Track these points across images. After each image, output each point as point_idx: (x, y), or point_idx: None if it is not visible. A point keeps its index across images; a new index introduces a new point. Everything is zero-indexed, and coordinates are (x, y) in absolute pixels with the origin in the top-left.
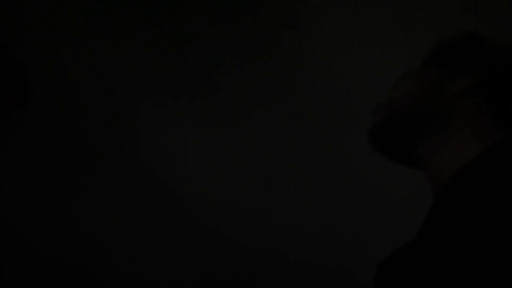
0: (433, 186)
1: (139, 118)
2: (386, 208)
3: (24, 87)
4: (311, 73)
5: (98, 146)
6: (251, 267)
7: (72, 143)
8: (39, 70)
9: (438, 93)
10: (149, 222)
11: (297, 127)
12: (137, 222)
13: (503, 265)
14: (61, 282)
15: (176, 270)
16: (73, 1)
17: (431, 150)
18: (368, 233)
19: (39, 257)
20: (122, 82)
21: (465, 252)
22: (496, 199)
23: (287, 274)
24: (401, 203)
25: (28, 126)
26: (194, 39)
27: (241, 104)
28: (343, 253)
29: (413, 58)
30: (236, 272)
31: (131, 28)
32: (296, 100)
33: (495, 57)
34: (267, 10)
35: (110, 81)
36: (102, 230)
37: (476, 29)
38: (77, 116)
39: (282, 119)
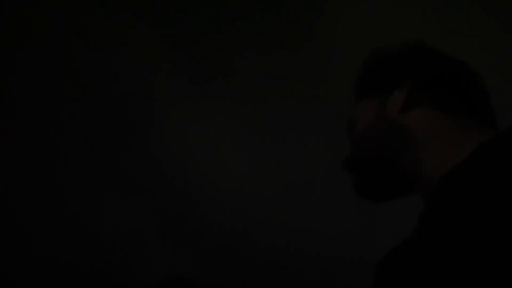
0: (422, 192)
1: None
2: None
3: None
4: (335, 60)
5: (110, 140)
6: (270, 264)
7: (81, 128)
8: (48, 54)
9: (383, 121)
10: (160, 216)
11: (318, 118)
12: (150, 216)
13: (501, 264)
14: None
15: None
16: None
17: (410, 163)
18: (389, 226)
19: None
20: (139, 68)
21: (462, 250)
22: (490, 197)
23: (309, 269)
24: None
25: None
26: (214, 24)
27: (264, 94)
28: (367, 247)
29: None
30: (254, 268)
31: (149, 6)
32: (318, 89)
33: (410, 63)
34: None
35: (125, 66)
36: (117, 224)
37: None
38: (89, 99)
39: (302, 109)
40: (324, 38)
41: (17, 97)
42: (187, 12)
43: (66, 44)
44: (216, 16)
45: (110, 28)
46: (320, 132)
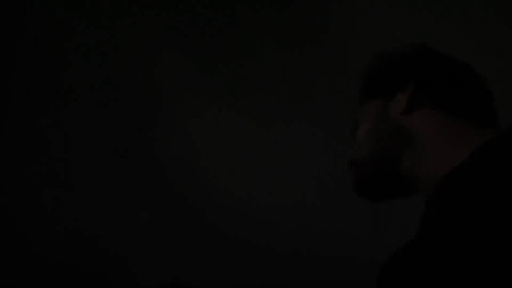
0: (423, 194)
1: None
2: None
3: None
4: (341, 60)
5: (118, 141)
6: (274, 266)
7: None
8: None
9: (386, 122)
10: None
11: (325, 117)
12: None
13: (502, 265)
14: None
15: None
16: None
17: (412, 165)
18: (393, 227)
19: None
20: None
21: (464, 252)
22: (490, 198)
23: (313, 270)
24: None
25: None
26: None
27: (270, 93)
28: (371, 248)
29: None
30: (256, 269)
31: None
32: (324, 89)
33: (414, 66)
34: None
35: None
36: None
37: (384, 48)
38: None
39: (309, 109)
40: (329, 38)
41: (19, 96)
42: (196, 6)
43: (69, 38)
44: (226, 13)
45: (112, 21)
46: (328, 132)
